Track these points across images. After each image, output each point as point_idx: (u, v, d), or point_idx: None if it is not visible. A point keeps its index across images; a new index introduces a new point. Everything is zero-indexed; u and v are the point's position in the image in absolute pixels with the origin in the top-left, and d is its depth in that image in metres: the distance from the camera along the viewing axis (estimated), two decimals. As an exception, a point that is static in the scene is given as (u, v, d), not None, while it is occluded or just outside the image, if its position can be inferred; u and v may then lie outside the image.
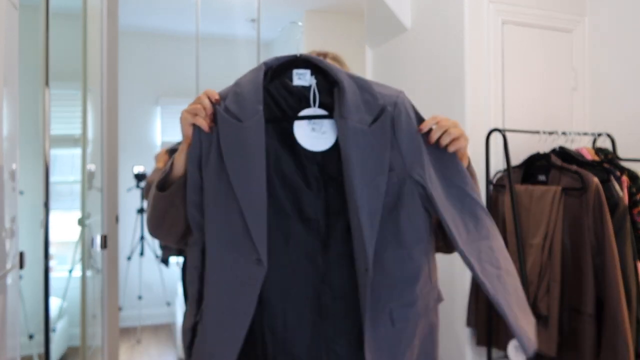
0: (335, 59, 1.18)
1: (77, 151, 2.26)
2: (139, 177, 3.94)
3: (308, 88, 0.95)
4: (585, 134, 2.17)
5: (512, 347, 2.00)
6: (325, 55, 1.17)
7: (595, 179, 1.82)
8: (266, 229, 0.87)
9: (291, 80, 0.95)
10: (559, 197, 1.89)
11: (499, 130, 2.00)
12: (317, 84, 0.95)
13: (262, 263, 0.86)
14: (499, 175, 2.18)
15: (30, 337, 2.25)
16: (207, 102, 0.92)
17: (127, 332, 4.14)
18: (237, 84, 0.94)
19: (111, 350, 2.22)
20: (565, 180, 1.93)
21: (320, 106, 0.95)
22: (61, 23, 2.04)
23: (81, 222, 2.24)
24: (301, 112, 0.95)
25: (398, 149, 0.91)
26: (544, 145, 2.09)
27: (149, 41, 4.48)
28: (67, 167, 2.42)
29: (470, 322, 2.18)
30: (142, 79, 4.46)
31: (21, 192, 1.61)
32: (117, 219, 2.26)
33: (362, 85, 0.94)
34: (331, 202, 0.94)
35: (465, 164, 0.98)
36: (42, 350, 1.78)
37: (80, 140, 2.25)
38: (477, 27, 2.23)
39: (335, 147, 0.94)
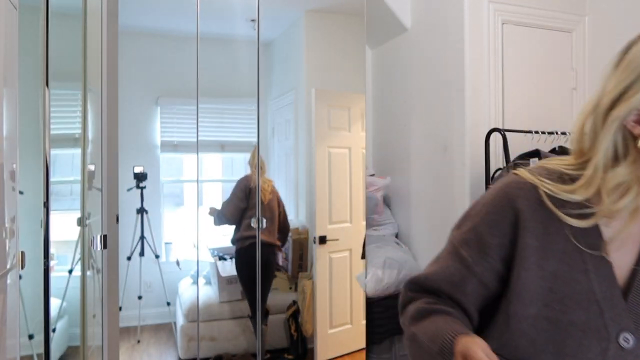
0: None
1: (77, 151, 2.27)
2: (139, 177, 3.94)
3: None
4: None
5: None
6: None
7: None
8: None
9: None
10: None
11: (499, 130, 2.00)
12: None
13: None
14: (498, 173, 2.18)
15: (30, 337, 2.25)
16: None
17: (127, 332, 4.14)
18: None
19: (111, 350, 2.23)
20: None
21: None
22: (61, 23, 2.04)
23: (81, 222, 2.24)
24: None
25: None
26: (544, 145, 2.09)
27: (149, 41, 4.48)
28: (67, 167, 2.42)
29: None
30: (142, 79, 4.46)
31: (21, 192, 1.61)
32: (117, 219, 2.26)
33: None
34: None
35: None
36: (42, 350, 1.78)
37: (80, 140, 2.25)
38: (477, 27, 2.23)
39: None
